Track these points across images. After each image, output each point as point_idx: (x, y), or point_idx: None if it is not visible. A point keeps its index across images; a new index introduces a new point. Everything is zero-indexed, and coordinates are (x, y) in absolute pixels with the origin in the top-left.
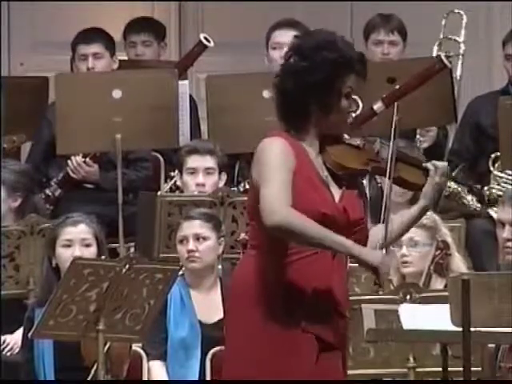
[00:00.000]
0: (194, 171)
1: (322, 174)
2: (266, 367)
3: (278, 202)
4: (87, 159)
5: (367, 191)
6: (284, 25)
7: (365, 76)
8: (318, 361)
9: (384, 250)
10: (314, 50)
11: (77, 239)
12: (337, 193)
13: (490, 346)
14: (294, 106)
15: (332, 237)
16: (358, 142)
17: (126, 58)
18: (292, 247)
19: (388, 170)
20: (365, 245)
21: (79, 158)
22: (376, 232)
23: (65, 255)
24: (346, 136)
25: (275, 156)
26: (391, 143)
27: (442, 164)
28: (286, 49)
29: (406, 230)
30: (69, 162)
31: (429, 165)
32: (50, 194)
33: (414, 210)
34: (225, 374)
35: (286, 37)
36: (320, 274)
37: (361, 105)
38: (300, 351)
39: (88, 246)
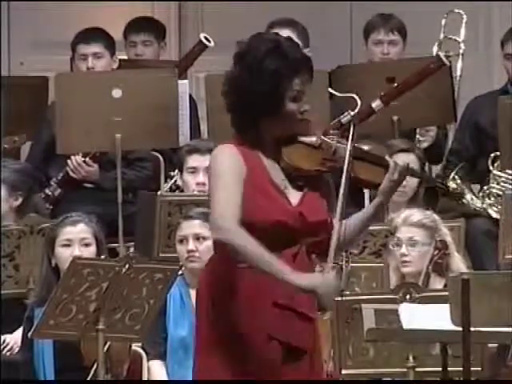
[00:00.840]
0: (194, 170)
1: (278, 179)
2: (234, 374)
3: (223, 218)
4: (87, 159)
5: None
6: (278, 24)
7: (311, 76)
8: (283, 368)
9: (327, 269)
10: (254, 61)
11: (76, 239)
12: (296, 196)
13: (490, 345)
14: (240, 113)
15: (271, 263)
16: (314, 141)
17: (126, 57)
18: None
19: (345, 169)
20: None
21: (79, 158)
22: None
23: (64, 255)
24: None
25: (224, 165)
26: (349, 142)
27: (403, 161)
28: None
29: (363, 228)
30: (68, 161)
31: (390, 161)
32: (49, 193)
33: (370, 207)
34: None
35: (282, 35)
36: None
37: (359, 103)
38: (265, 358)
39: (87, 245)
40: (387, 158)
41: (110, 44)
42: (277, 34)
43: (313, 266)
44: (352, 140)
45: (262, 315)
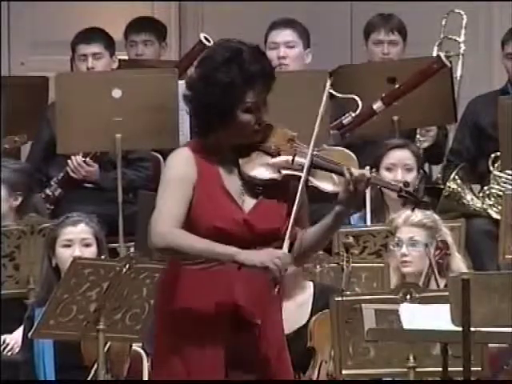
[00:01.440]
0: None
1: (233, 186)
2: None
3: (160, 224)
4: (87, 159)
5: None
6: (280, 24)
7: (268, 88)
8: (228, 375)
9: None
10: (209, 70)
11: (77, 239)
12: (250, 204)
13: (490, 345)
14: (197, 121)
15: (214, 249)
16: (272, 149)
17: (126, 57)
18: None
19: (303, 177)
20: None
21: (79, 158)
22: (305, 236)
23: (65, 255)
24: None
25: (174, 171)
26: (310, 149)
27: (359, 171)
28: (282, 48)
29: (323, 237)
30: (69, 161)
31: (344, 171)
32: (50, 193)
33: (329, 217)
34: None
35: (281, 36)
36: (224, 285)
37: (360, 104)
38: (208, 365)
39: (88, 245)
40: (344, 167)
41: (109, 44)
42: (242, 42)
43: (265, 276)
44: (313, 149)
45: (204, 320)
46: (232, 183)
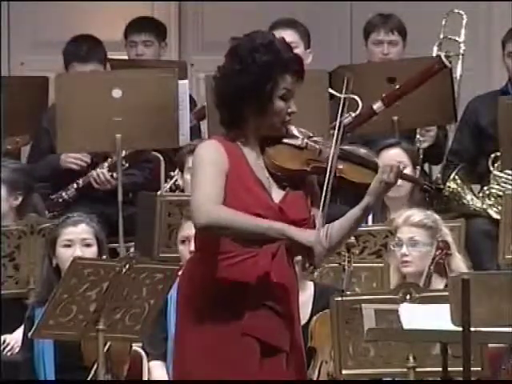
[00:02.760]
0: None
1: (262, 176)
2: (212, 370)
3: (203, 202)
4: (114, 174)
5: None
6: (281, 24)
7: (302, 76)
8: (261, 365)
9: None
10: (246, 52)
11: (77, 239)
12: (278, 194)
13: (490, 345)
14: (229, 109)
15: (263, 224)
16: (299, 142)
17: (126, 57)
18: (230, 250)
19: (328, 170)
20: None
21: (106, 172)
22: (332, 231)
23: (65, 255)
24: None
25: (206, 158)
26: (333, 143)
27: (392, 164)
28: None
29: (351, 229)
30: (94, 174)
31: (379, 162)
32: (66, 197)
33: (357, 208)
34: (176, 374)
35: (285, 36)
36: (258, 276)
37: (360, 104)
38: (241, 355)
39: (88, 245)
40: (375, 159)
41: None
42: (272, 34)
43: (293, 269)
44: (340, 140)
45: (238, 313)
46: (260, 173)
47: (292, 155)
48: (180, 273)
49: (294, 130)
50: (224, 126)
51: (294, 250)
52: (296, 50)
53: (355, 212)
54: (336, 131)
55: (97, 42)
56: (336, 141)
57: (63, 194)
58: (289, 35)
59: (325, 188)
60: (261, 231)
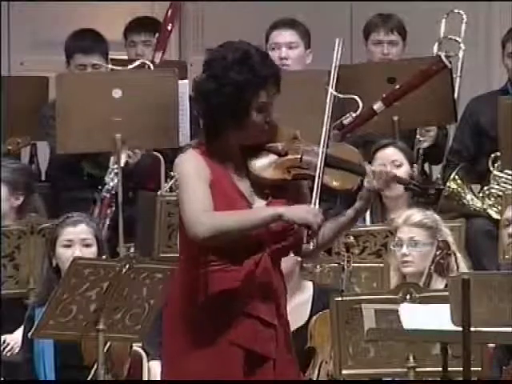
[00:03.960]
0: None
1: (243, 186)
2: (197, 375)
3: (197, 216)
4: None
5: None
6: (281, 24)
7: (278, 89)
8: (246, 374)
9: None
10: (221, 70)
11: (77, 239)
12: (261, 204)
13: (490, 345)
14: (207, 123)
15: (256, 215)
16: (280, 149)
17: (126, 57)
18: (214, 260)
19: (317, 173)
20: (298, 250)
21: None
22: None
23: (65, 255)
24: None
25: (190, 171)
26: (321, 148)
27: (381, 169)
28: (284, 49)
29: (339, 233)
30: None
31: (367, 168)
32: (106, 195)
33: (348, 213)
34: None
35: (283, 37)
36: (242, 285)
37: (361, 105)
38: (227, 364)
39: (88, 246)
40: (365, 164)
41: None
42: (248, 43)
43: (279, 275)
44: (327, 142)
45: (224, 322)
46: (242, 184)
47: (272, 164)
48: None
49: (282, 129)
50: (205, 137)
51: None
52: (297, 51)
53: (345, 217)
54: (323, 134)
55: (100, 36)
56: (324, 142)
57: (104, 192)
58: (289, 35)
59: (315, 189)
60: (259, 222)
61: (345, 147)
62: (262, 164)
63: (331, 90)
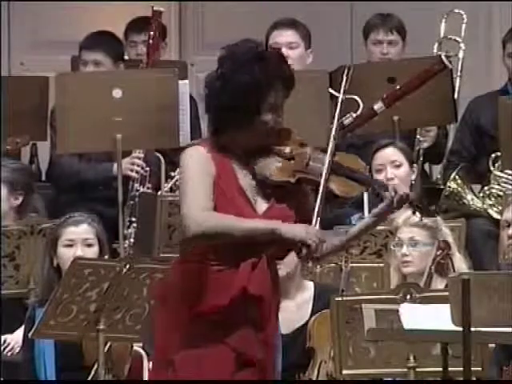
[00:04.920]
0: None
1: (248, 186)
2: (188, 371)
3: (194, 211)
4: None
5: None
6: (282, 25)
7: (290, 88)
8: (234, 375)
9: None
10: (230, 71)
11: (79, 239)
12: (263, 206)
13: (490, 345)
14: (214, 120)
15: (256, 225)
16: (287, 152)
17: (126, 57)
18: (211, 259)
19: (322, 180)
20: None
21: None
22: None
23: (67, 255)
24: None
25: (194, 166)
26: (328, 155)
27: (404, 191)
28: (284, 49)
29: (348, 244)
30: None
31: (390, 188)
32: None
33: (358, 226)
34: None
35: (284, 37)
36: (237, 287)
37: (361, 105)
38: (218, 365)
39: (90, 245)
40: (363, 170)
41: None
42: (261, 45)
43: (276, 275)
44: (333, 149)
45: (218, 324)
46: (246, 183)
47: (278, 166)
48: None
49: (292, 134)
50: (212, 137)
51: (290, 246)
52: (297, 51)
53: (354, 230)
54: (331, 139)
55: (109, 35)
56: (331, 149)
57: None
58: (289, 35)
59: (319, 196)
60: (254, 233)
61: (351, 157)
62: (269, 164)
63: (338, 95)
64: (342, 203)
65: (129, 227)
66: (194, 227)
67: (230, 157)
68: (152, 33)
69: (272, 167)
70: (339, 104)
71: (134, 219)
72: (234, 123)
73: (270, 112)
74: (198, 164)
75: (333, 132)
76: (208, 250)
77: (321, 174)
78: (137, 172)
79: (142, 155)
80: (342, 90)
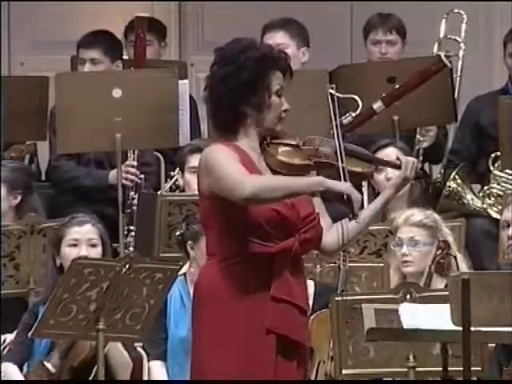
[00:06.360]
0: (196, 170)
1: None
2: (233, 370)
3: (239, 179)
4: None
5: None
6: (271, 26)
7: (291, 74)
8: (277, 362)
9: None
10: (236, 53)
11: (83, 239)
12: None
13: (490, 345)
14: (227, 110)
15: (301, 181)
16: (296, 141)
17: (126, 57)
18: (248, 250)
19: (339, 157)
20: (318, 244)
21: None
22: (334, 230)
23: (71, 255)
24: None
25: (220, 154)
26: (335, 138)
27: (413, 160)
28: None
29: (370, 222)
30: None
31: (402, 158)
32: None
33: (377, 201)
34: (195, 375)
35: (272, 39)
36: (278, 274)
37: (360, 104)
38: (262, 352)
39: (94, 246)
40: (400, 156)
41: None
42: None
43: (303, 267)
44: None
45: (260, 309)
46: (266, 173)
47: (294, 152)
48: (196, 280)
49: (287, 131)
50: (222, 131)
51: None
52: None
53: (375, 205)
54: (335, 128)
55: (107, 33)
56: (337, 133)
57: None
58: (278, 37)
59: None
60: (302, 188)
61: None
62: (285, 152)
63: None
64: (361, 180)
65: (127, 236)
66: (247, 189)
67: (244, 149)
68: (137, 40)
69: (288, 153)
70: (335, 129)
71: (132, 227)
72: (248, 106)
73: (278, 95)
74: (225, 152)
75: (334, 120)
76: (239, 242)
77: (333, 157)
78: (131, 181)
79: (135, 163)
80: (333, 117)
